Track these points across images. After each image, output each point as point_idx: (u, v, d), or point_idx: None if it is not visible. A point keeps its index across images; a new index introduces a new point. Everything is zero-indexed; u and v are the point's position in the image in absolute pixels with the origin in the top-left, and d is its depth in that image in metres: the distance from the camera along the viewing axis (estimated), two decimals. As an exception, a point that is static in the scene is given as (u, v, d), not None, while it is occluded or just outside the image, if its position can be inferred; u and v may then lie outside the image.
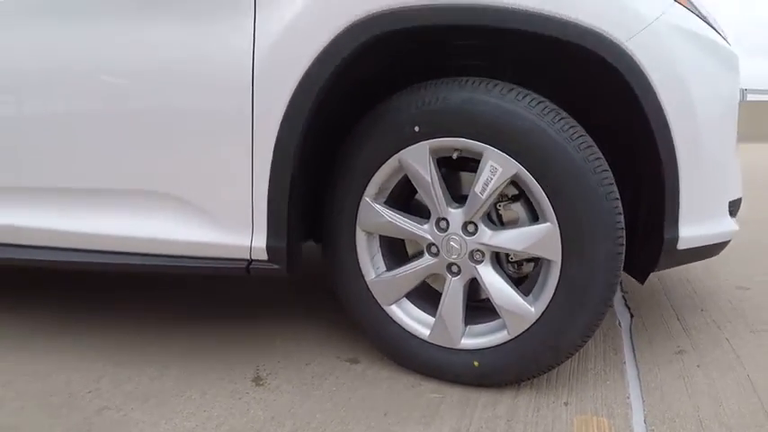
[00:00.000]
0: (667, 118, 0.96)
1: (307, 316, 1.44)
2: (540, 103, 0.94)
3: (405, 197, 1.12)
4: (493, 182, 0.96)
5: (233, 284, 1.68)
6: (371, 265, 1.11)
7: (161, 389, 1.07)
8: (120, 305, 1.56)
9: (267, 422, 0.95)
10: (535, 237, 0.97)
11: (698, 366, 1.14)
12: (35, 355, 1.23)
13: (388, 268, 1.11)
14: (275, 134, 0.96)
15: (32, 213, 1.17)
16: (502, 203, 1.05)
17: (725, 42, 1.17)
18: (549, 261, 0.98)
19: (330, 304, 1.31)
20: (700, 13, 1.10)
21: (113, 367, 1.16)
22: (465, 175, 1.08)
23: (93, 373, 1.13)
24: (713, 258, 1.24)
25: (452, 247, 1.02)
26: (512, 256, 1.05)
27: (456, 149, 0.99)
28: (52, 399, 1.04)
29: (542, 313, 0.99)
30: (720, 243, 1.17)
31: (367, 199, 1.06)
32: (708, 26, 1.11)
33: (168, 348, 1.25)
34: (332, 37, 0.92)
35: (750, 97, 12.96)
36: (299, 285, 1.69)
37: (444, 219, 1.03)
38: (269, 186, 0.98)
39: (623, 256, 0.96)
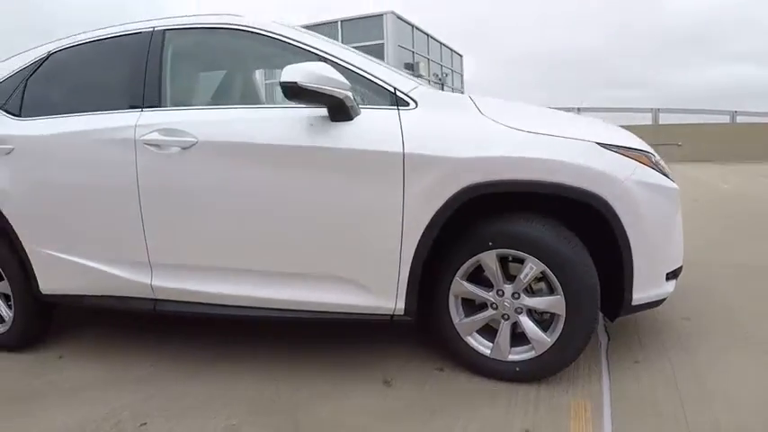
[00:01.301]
0: (627, 232, 1.77)
1: (407, 342, 2.25)
2: (559, 233, 1.76)
3: (477, 274, 1.92)
4: (530, 274, 1.78)
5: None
6: (457, 313, 1.92)
7: (327, 389, 1.88)
8: (268, 342, 2.35)
9: (405, 407, 1.77)
10: (551, 302, 1.79)
11: (645, 371, 1.96)
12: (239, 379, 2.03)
13: (467, 315, 1.93)
14: (415, 246, 1.77)
15: (250, 286, 1.92)
16: (533, 283, 1.86)
17: (670, 182, 1.97)
18: (558, 315, 1.80)
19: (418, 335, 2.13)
20: (656, 167, 1.91)
21: (290, 380, 1.96)
22: (513, 266, 1.89)
23: (289, 386, 1.93)
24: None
25: (505, 305, 1.85)
26: (538, 311, 1.87)
27: (511, 255, 1.81)
28: (264, 403, 1.85)
29: (554, 342, 1.82)
30: (659, 300, 1.99)
31: (457, 278, 1.87)
32: (662, 175, 1.92)
33: (319, 360, 2.06)
34: (450, 196, 1.72)
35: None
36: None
37: (501, 290, 1.85)
38: (409, 274, 1.79)
39: (598, 308, 1.78)
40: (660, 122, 12.98)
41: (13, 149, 2.19)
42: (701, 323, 2.38)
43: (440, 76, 14.56)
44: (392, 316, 1.86)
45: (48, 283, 2.21)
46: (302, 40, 1.95)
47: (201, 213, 1.91)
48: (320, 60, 1.83)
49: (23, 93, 2.34)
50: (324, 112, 1.76)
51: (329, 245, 1.83)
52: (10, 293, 2.33)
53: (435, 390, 1.86)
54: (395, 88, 1.83)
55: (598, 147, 1.79)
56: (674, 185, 1.98)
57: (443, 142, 1.74)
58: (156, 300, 2.02)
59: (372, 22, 11.05)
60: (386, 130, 1.75)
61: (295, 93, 1.66)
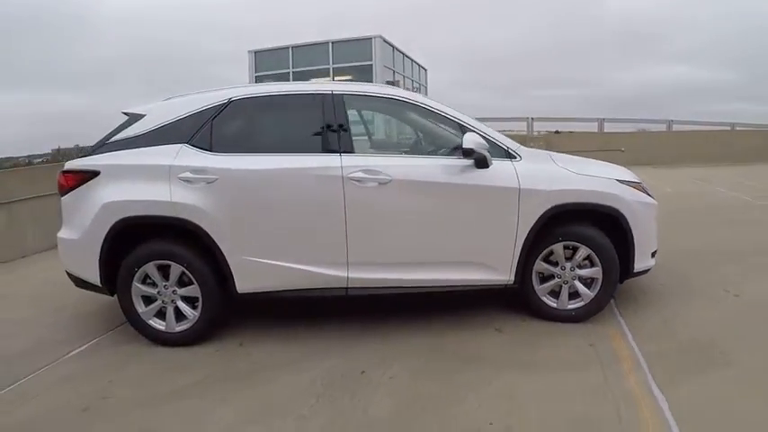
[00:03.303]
0: (631, 230, 3.10)
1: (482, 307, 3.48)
2: (597, 231, 3.07)
3: (548, 256, 3.19)
4: (582, 256, 3.08)
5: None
6: (537, 283, 3.19)
7: (456, 337, 3.09)
8: (372, 317, 3.50)
9: (512, 342, 3.02)
10: (593, 272, 3.10)
11: (640, 315, 3.30)
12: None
13: (541, 283, 3.19)
14: (522, 242, 2.99)
15: (417, 273, 3.00)
16: (581, 261, 3.17)
17: (651, 199, 3.33)
18: (597, 278, 3.11)
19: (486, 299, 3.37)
20: (646, 191, 3.27)
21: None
22: (567, 251, 3.18)
23: (436, 336, 3.12)
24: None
25: (565, 275, 3.14)
26: (584, 278, 3.18)
27: (572, 244, 3.10)
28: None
29: (595, 295, 3.13)
30: (648, 269, 3.34)
31: (539, 260, 3.13)
32: (648, 195, 3.27)
33: (448, 320, 3.26)
34: (542, 212, 2.95)
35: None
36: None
37: (564, 266, 3.14)
38: (518, 259, 3.02)
39: (619, 274, 3.12)
40: (605, 130, 14.90)
41: (216, 179, 2.83)
42: (671, 284, 3.76)
43: (414, 90, 15.92)
44: (506, 285, 3.10)
45: (245, 284, 2.91)
46: (442, 109, 3.11)
47: (389, 226, 2.96)
48: (455, 124, 3.06)
49: (211, 131, 2.94)
50: (470, 162, 2.94)
51: (473, 242, 3.02)
52: (197, 296, 2.92)
53: (528, 331, 3.09)
54: (507, 147, 3.06)
55: (616, 182, 3.13)
56: (654, 201, 3.34)
57: (539, 181, 2.99)
58: (347, 288, 2.98)
59: (362, 45, 12.21)
60: (508, 174, 2.97)
61: (467, 153, 2.86)
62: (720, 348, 2.72)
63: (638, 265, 3.19)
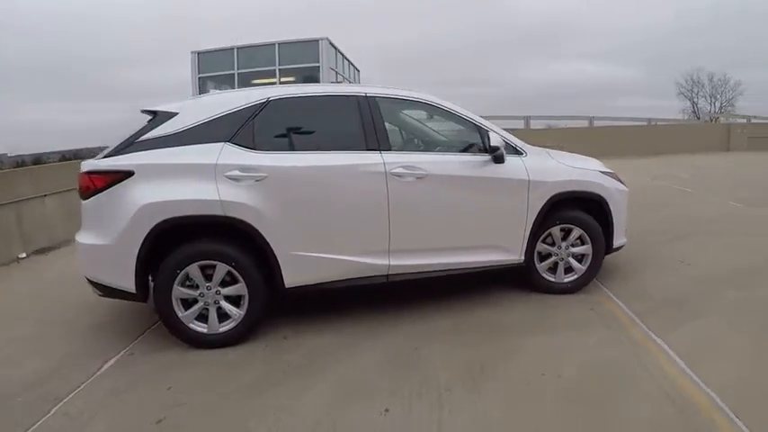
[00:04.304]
0: (611, 209, 3.70)
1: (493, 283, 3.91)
2: (592, 217, 3.62)
3: (546, 238, 3.68)
4: (576, 236, 3.62)
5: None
6: (538, 261, 3.67)
7: (460, 312, 3.49)
8: (418, 307, 3.80)
9: (513, 316, 3.47)
10: (585, 249, 3.66)
11: (618, 283, 3.93)
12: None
13: (541, 261, 3.68)
14: (531, 226, 3.44)
15: (445, 257, 3.34)
16: (576, 239, 3.71)
17: (623, 186, 3.95)
18: (587, 255, 3.67)
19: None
20: (619, 179, 3.90)
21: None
22: (562, 233, 3.70)
23: (448, 310, 3.48)
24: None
25: (561, 253, 3.66)
26: (576, 255, 3.72)
27: (567, 226, 3.62)
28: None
29: (585, 269, 3.69)
30: (622, 246, 3.97)
31: (539, 241, 3.61)
32: (621, 183, 3.90)
33: (456, 299, 3.63)
34: (546, 199, 3.43)
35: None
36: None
37: (560, 246, 3.65)
38: (527, 241, 3.46)
39: (604, 251, 3.72)
40: (531, 127, 16.32)
41: (266, 177, 2.92)
42: (634, 260, 4.47)
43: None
44: (518, 264, 3.53)
45: (293, 278, 3.02)
46: (458, 110, 3.46)
47: (425, 216, 3.24)
48: (470, 123, 3.42)
49: (253, 130, 3.00)
50: (488, 158, 3.33)
51: (491, 227, 3.41)
52: (243, 294, 2.95)
53: (535, 304, 3.55)
54: (515, 145, 3.49)
55: (600, 173, 3.72)
56: (626, 188, 3.99)
57: (543, 174, 3.46)
58: (388, 275, 3.26)
59: (309, 47, 12.18)
60: (519, 168, 3.40)
61: (494, 150, 3.24)
62: (691, 304, 3.40)
63: (616, 242, 3.81)
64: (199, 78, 11.99)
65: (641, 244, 4.86)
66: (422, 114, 3.78)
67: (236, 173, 2.90)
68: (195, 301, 2.98)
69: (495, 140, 3.25)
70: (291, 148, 3.10)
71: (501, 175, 3.37)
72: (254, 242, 2.94)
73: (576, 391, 2.47)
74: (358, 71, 17.08)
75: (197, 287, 2.96)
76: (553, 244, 3.66)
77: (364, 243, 3.15)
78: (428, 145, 3.77)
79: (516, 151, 3.49)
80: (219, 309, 3.01)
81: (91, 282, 3.01)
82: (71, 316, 3.65)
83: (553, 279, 3.69)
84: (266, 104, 3.09)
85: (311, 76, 11.74)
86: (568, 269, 3.70)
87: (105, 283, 2.95)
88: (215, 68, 12.05)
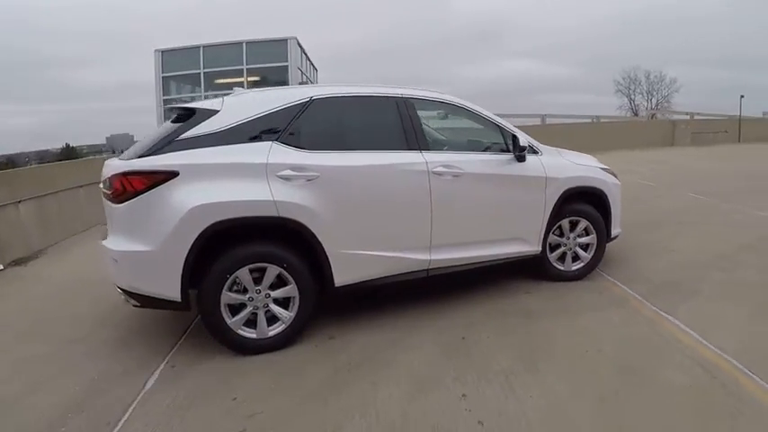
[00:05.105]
0: (610, 202, 4.07)
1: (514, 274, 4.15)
2: (595, 209, 3.96)
3: (556, 229, 3.96)
4: (583, 227, 3.94)
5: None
6: (550, 252, 3.95)
7: (491, 301, 3.71)
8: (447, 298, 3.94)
9: (540, 301, 3.73)
10: (590, 239, 4.00)
11: (615, 268, 4.32)
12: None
13: (552, 250, 3.97)
14: (548, 219, 3.71)
15: (477, 250, 3.51)
16: (582, 230, 4.03)
17: (617, 180, 4.34)
18: (592, 244, 4.01)
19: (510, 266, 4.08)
20: (614, 174, 4.27)
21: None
22: (568, 224, 4.01)
23: (470, 301, 3.67)
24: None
25: (569, 243, 3.96)
26: (583, 244, 4.05)
27: (575, 219, 3.93)
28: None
29: (591, 257, 4.02)
30: (617, 235, 4.35)
31: (552, 234, 3.89)
32: (616, 178, 4.27)
33: (478, 289, 3.84)
34: (560, 194, 3.72)
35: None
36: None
37: (568, 236, 3.96)
38: (545, 233, 3.73)
39: (606, 240, 4.08)
40: None
41: (318, 176, 2.92)
42: (624, 248, 4.88)
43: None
44: (536, 255, 3.79)
45: (343, 277, 3.05)
46: (483, 112, 3.65)
47: (462, 212, 3.40)
48: (489, 122, 3.63)
49: (299, 129, 2.99)
50: (511, 156, 3.56)
51: (515, 220, 3.63)
52: (294, 296, 2.92)
53: (549, 291, 3.82)
54: (531, 145, 3.72)
55: (600, 169, 4.07)
56: (619, 182, 4.37)
57: (557, 171, 3.74)
58: (428, 269, 3.37)
59: (277, 46, 11.89)
60: (538, 166, 3.66)
61: (522, 149, 3.46)
62: (685, 285, 3.81)
63: (613, 232, 4.19)
64: (162, 78, 11.33)
65: (627, 234, 5.31)
66: (444, 114, 3.94)
67: (288, 172, 2.88)
68: (242, 305, 2.92)
69: (523, 140, 3.49)
70: (336, 147, 3.11)
71: (524, 172, 3.61)
72: (306, 242, 2.94)
73: (622, 363, 2.74)
74: (316, 70, 16.98)
75: (245, 291, 2.91)
76: (562, 235, 3.95)
77: (409, 239, 3.25)
78: (457, 145, 3.92)
79: (534, 150, 3.74)
80: (267, 312, 2.97)
81: (126, 292, 2.85)
82: (85, 331, 3.42)
83: (562, 267, 3.99)
84: (310, 103, 3.10)
85: (280, 76, 11.53)
86: (575, 258, 4.02)
87: (145, 293, 2.81)
88: (180, 68, 11.45)
